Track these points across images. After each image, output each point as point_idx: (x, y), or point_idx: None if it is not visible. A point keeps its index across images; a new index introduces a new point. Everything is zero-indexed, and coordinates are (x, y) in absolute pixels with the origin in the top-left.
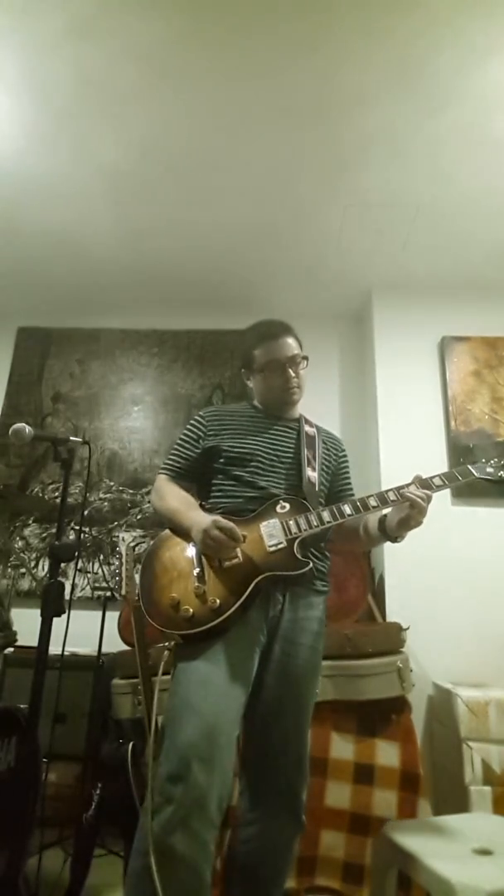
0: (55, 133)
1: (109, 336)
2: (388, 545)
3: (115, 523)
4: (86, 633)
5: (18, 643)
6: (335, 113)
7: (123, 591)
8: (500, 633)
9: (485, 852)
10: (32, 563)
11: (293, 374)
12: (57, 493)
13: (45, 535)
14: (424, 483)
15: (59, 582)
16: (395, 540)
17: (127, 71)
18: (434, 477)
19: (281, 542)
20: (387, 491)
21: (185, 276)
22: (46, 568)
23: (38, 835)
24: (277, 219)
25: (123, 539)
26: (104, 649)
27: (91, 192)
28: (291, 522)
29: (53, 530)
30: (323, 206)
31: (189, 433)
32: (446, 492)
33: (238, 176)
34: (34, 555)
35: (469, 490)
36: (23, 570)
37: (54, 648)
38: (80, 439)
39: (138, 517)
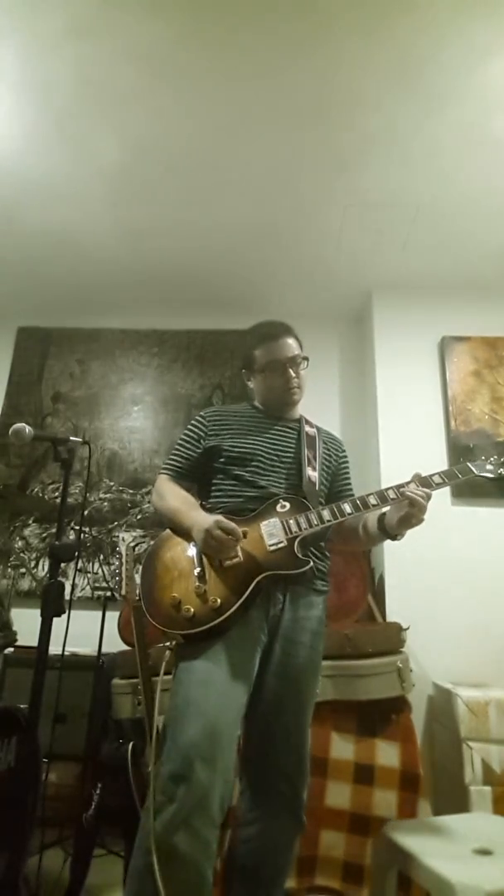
0: (55, 133)
1: (109, 336)
2: (387, 545)
3: (115, 523)
4: (86, 633)
5: (18, 643)
6: (335, 113)
7: (123, 591)
8: (500, 633)
9: (485, 852)
10: (32, 563)
11: (293, 375)
12: (57, 493)
13: (45, 535)
14: (424, 481)
15: (59, 582)
16: (395, 538)
17: (127, 71)
18: (434, 475)
19: (281, 542)
20: (386, 489)
21: (185, 276)
22: (46, 568)
23: (38, 835)
24: (277, 219)
25: (123, 539)
26: (104, 649)
27: (91, 192)
28: (292, 521)
29: (53, 530)
30: (323, 206)
31: (190, 433)
32: (446, 492)
33: (238, 176)
34: (34, 555)
35: (469, 490)
36: (23, 570)
37: (54, 648)
38: (80, 439)
39: (138, 517)
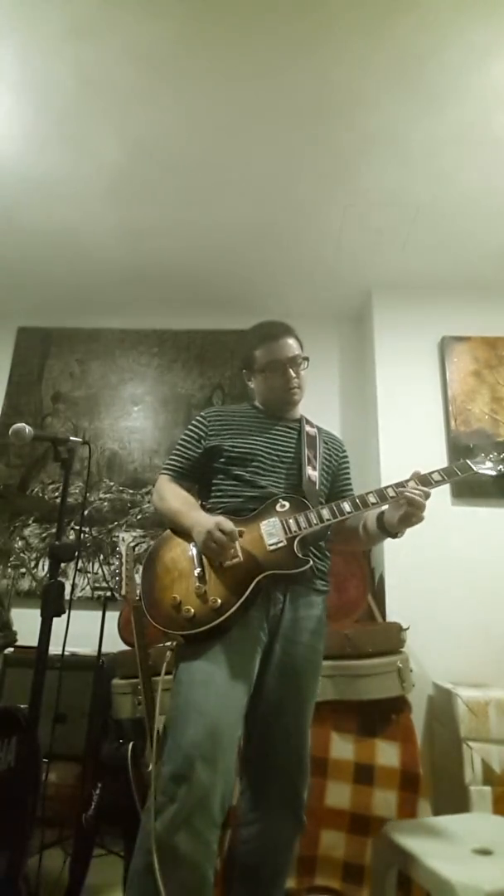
0: (55, 133)
1: (109, 336)
2: (388, 545)
3: (115, 523)
4: (86, 633)
5: (18, 643)
6: (335, 113)
7: (123, 591)
8: (500, 633)
9: (485, 852)
10: (32, 563)
11: (294, 375)
12: (57, 493)
13: (45, 535)
14: (423, 479)
15: (59, 582)
16: (395, 536)
17: (127, 71)
18: (433, 472)
19: (281, 541)
20: (385, 487)
21: (185, 276)
22: (46, 568)
23: (38, 835)
24: (277, 219)
25: (123, 539)
26: (104, 649)
27: (91, 192)
28: (291, 521)
29: (53, 530)
30: (323, 206)
31: (190, 433)
32: (446, 492)
33: (238, 176)
34: (34, 555)
35: (469, 490)
36: (23, 570)
37: (54, 648)
38: (80, 439)
39: (138, 517)
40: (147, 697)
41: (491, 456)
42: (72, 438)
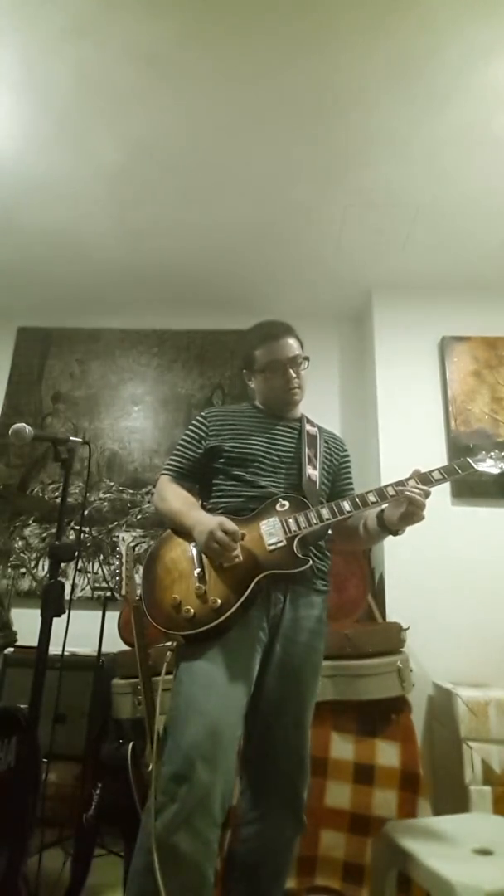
0: (55, 133)
1: (109, 336)
2: (388, 545)
3: (115, 523)
4: (86, 633)
5: (18, 643)
6: (335, 113)
7: (123, 591)
8: (500, 633)
9: (485, 852)
10: (32, 563)
11: (294, 375)
12: (57, 493)
13: (45, 535)
14: (423, 477)
15: (59, 582)
16: (395, 534)
17: (127, 71)
18: (433, 471)
19: (280, 541)
20: (385, 486)
21: (185, 276)
22: (46, 568)
23: (38, 835)
24: (277, 219)
25: (123, 539)
26: (104, 649)
27: (91, 192)
28: (291, 520)
29: (53, 530)
30: (323, 206)
31: (191, 434)
32: (446, 492)
33: (238, 176)
34: (34, 555)
35: (469, 490)
36: (23, 570)
37: (54, 648)
38: (80, 439)
39: (138, 517)
40: (147, 697)
41: (492, 454)
42: (72, 438)
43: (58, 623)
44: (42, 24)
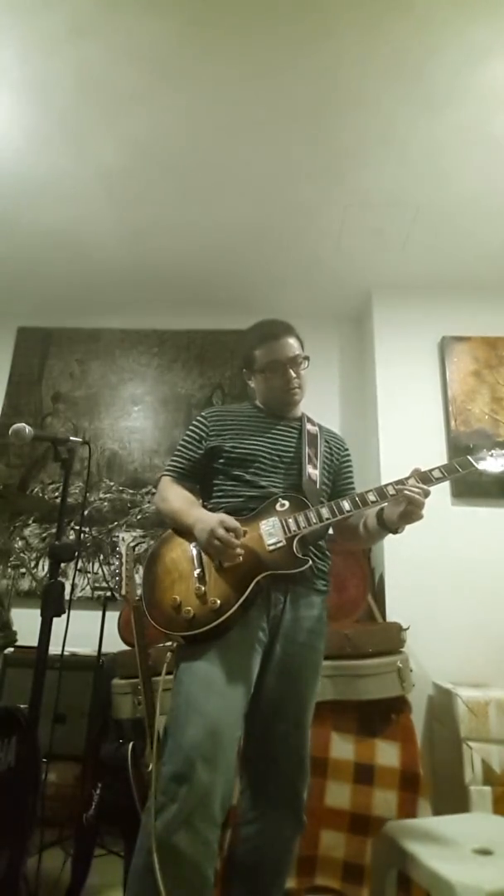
0: (55, 133)
1: (109, 336)
2: (388, 545)
3: (115, 523)
4: (86, 633)
5: (18, 643)
6: (335, 113)
7: (123, 591)
8: (500, 633)
9: (485, 852)
10: (32, 563)
11: (294, 375)
12: (57, 493)
13: (45, 535)
14: (424, 476)
15: (59, 582)
16: (395, 532)
17: (127, 71)
18: (433, 469)
19: (280, 541)
20: (385, 485)
21: (185, 277)
22: (46, 568)
23: (38, 835)
24: (277, 219)
25: (123, 539)
26: (104, 649)
27: (91, 192)
28: (290, 520)
29: (53, 530)
30: (323, 206)
31: (191, 434)
32: (447, 492)
33: (238, 176)
34: (34, 555)
35: (469, 490)
36: (23, 570)
37: (54, 648)
38: (80, 439)
39: (138, 517)
40: (147, 697)
41: (493, 452)
42: (72, 438)
43: (58, 623)
44: (42, 24)
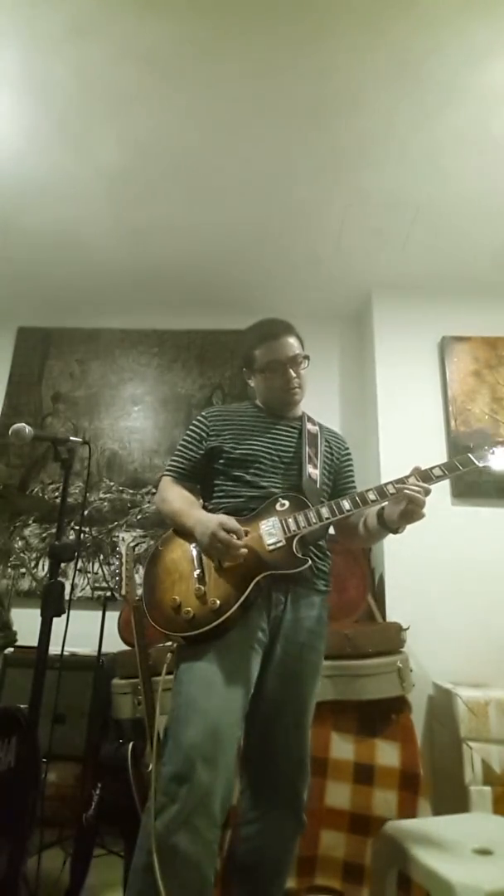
0: (56, 133)
1: (109, 336)
2: (388, 545)
3: (115, 523)
4: (86, 633)
5: (18, 643)
6: (335, 113)
7: (123, 591)
8: (501, 634)
9: (485, 852)
10: (32, 563)
11: (294, 375)
12: (57, 493)
13: (45, 535)
14: (424, 474)
15: (59, 582)
16: (396, 531)
17: (127, 71)
18: (434, 468)
19: (280, 541)
20: (385, 484)
21: (185, 277)
22: (46, 568)
23: (38, 835)
24: (277, 219)
25: (123, 539)
26: (104, 649)
27: (91, 193)
28: (290, 520)
29: (53, 530)
30: (323, 206)
31: (192, 434)
32: (447, 492)
33: (238, 176)
34: (34, 555)
35: (469, 490)
36: (23, 570)
37: (54, 648)
38: (80, 439)
39: (138, 517)
40: (147, 697)
41: (493, 450)
42: (72, 438)
43: (58, 623)
44: (42, 24)
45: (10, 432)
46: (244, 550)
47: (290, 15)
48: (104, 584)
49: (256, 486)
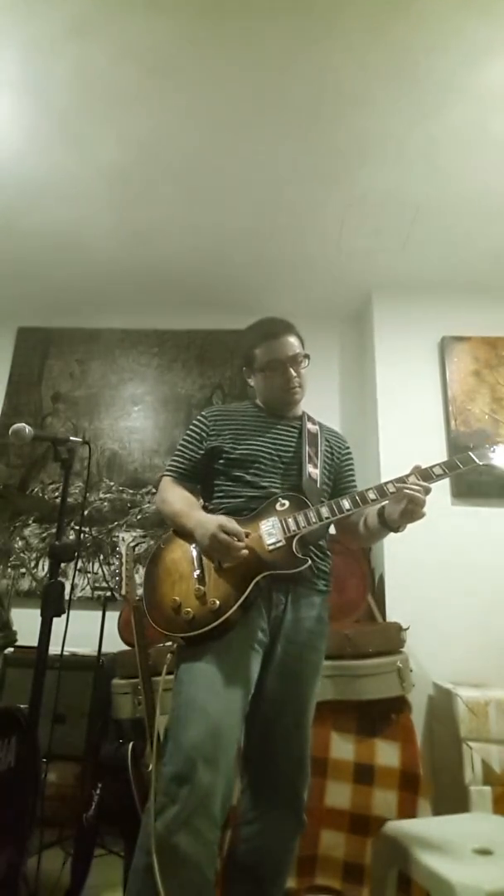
0: (56, 133)
1: (109, 336)
2: (388, 545)
3: (115, 523)
4: (86, 633)
5: (18, 643)
6: (334, 113)
7: (123, 591)
8: (500, 633)
9: (485, 852)
10: (32, 563)
11: (294, 374)
12: (57, 493)
13: (45, 535)
14: (424, 473)
15: (59, 582)
16: (396, 530)
17: (127, 71)
18: (434, 466)
19: (280, 541)
20: (385, 483)
21: (185, 277)
22: (46, 568)
23: (38, 835)
24: (277, 219)
25: (123, 539)
26: (104, 649)
27: (91, 193)
28: (290, 520)
29: (53, 530)
30: (323, 207)
31: (192, 434)
32: (447, 492)
33: (238, 176)
34: (34, 555)
35: (469, 490)
36: (23, 570)
37: (54, 648)
38: (80, 439)
39: (138, 517)
40: (147, 697)
41: (494, 448)
42: (72, 438)
43: (58, 623)
44: (42, 24)
45: (10, 432)
46: (244, 552)
47: (289, 15)
48: (104, 584)
49: (256, 486)
